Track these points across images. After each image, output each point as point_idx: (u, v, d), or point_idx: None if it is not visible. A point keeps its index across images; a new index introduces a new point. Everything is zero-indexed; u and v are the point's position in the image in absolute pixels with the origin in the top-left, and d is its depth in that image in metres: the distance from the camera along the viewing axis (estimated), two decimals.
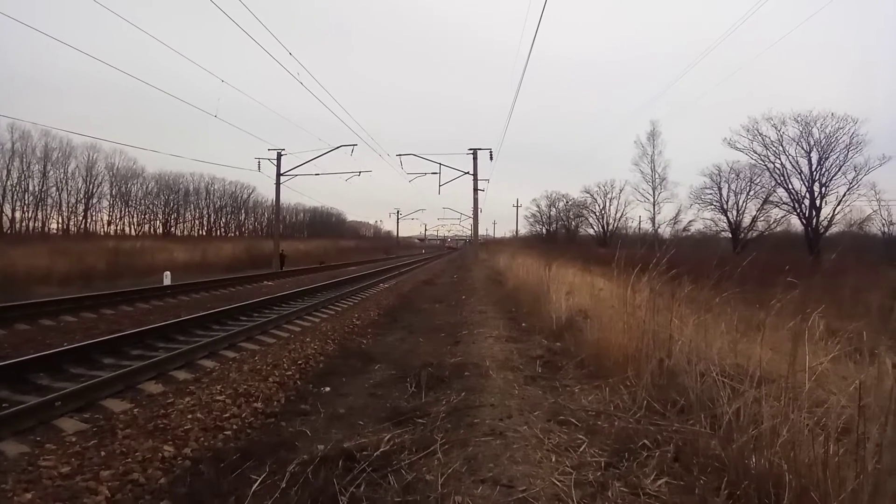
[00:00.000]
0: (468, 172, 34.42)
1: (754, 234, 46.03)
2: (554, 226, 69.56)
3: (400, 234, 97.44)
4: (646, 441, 3.34)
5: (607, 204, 62.07)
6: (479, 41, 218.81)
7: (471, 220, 39.85)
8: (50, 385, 5.69)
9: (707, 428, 3.31)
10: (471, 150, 34.12)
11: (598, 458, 3.23)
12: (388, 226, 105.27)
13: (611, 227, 61.60)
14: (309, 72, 42.22)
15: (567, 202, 67.91)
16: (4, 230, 40.55)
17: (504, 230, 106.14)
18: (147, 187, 54.93)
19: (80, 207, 47.88)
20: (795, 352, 3.06)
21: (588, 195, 63.27)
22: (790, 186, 43.30)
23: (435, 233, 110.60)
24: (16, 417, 4.41)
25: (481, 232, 50.82)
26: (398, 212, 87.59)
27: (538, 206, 70.41)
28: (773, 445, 2.73)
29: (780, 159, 43.12)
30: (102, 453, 3.95)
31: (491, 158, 34.93)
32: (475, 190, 35.03)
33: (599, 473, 3.02)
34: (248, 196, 67.36)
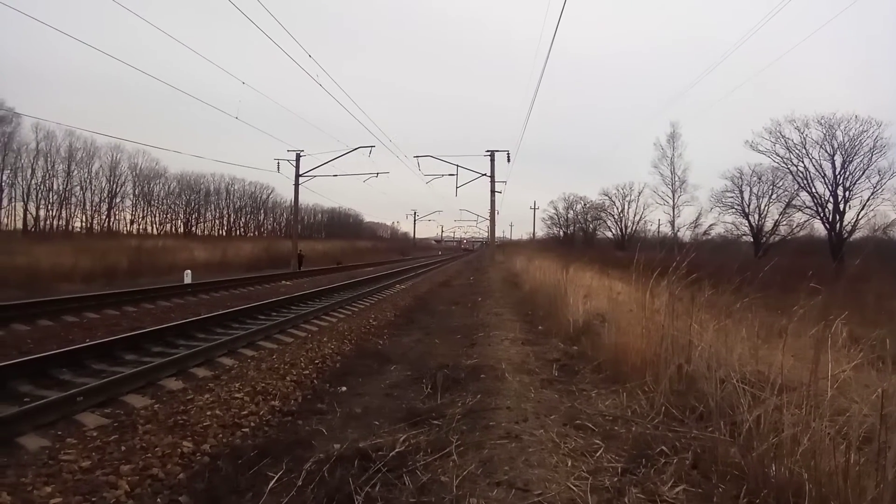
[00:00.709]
0: (485, 174, 34.38)
1: (776, 239, 45.31)
2: (571, 228, 69.16)
3: (417, 236, 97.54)
4: (663, 447, 3.30)
5: (626, 207, 61.65)
6: (496, 42, 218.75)
7: (487, 222, 39.71)
8: (72, 380, 5.79)
9: (726, 435, 3.26)
10: (488, 151, 34.10)
11: (614, 463, 3.20)
12: (405, 227, 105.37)
13: (629, 230, 61.14)
14: (328, 73, 42.44)
15: (585, 204, 67.52)
16: (29, 228, 41.38)
17: (521, 232, 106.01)
18: (169, 187, 55.86)
19: (104, 206, 48.74)
20: (818, 359, 3.02)
21: (606, 197, 62.90)
22: (813, 190, 42.58)
23: (451, 234, 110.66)
24: (38, 412, 4.49)
25: (498, 234, 50.69)
26: (415, 213, 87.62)
27: (555, 209, 70.10)
28: (794, 454, 2.69)
29: (802, 162, 42.42)
30: (123, 448, 4.01)
31: (508, 160, 34.88)
32: (492, 192, 34.93)
33: (616, 479, 2.99)
34: (268, 196, 68.05)
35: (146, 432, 4.34)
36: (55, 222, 44.57)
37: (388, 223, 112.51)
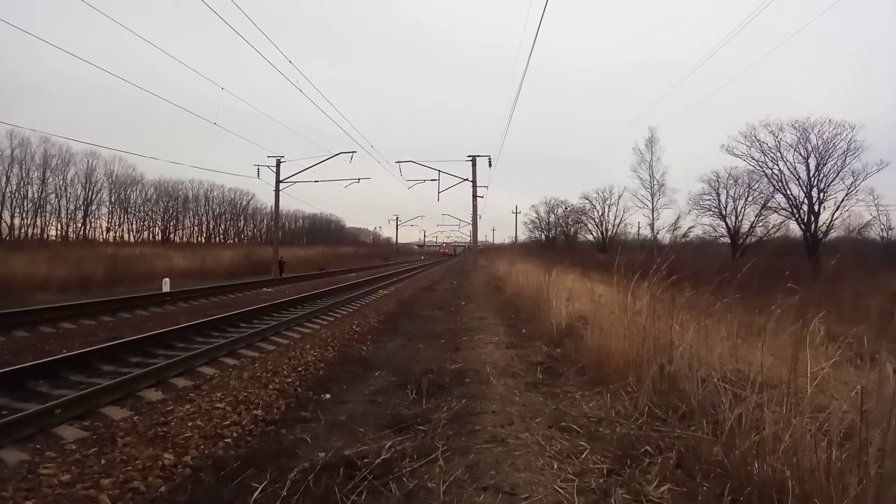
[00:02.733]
0: (467, 179, 34.42)
1: (753, 240, 46.15)
2: (553, 232, 69.53)
3: (399, 241, 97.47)
4: (648, 447, 3.33)
5: (606, 210, 62.19)
6: (477, 48, 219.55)
7: (470, 227, 39.84)
8: (49, 392, 5.68)
9: (709, 434, 3.30)
10: (470, 156, 34.11)
11: (600, 464, 3.22)
12: (388, 232, 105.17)
13: (610, 233, 61.66)
14: (308, 79, 42.37)
15: (566, 208, 67.90)
16: (3, 237, 40.50)
17: (503, 236, 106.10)
18: (146, 194, 55.01)
19: (80, 214, 47.89)
20: (796, 357, 3.06)
21: (587, 201, 63.38)
22: (788, 192, 43.48)
23: (434, 239, 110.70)
24: (16, 425, 4.39)
25: (480, 238, 50.85)
26: (397, 218, 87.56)
27: (537, 213, 70.42)
28: (776, 451, 2.72)
29: (777, 165, 43.31)
30: (102, 461, 3.93)
31: (490, 165, 34.98)
32: (474, 196, 35.02)
33: (602, 480, 3.01)
34: (248, 203, 67.42)
35: (126, 445, 4.26)
36: (30, 231, 43.73)
37: (371, 229, 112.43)
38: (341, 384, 6.41)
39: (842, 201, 40.92)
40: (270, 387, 6.20)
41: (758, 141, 43.31)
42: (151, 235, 55.38)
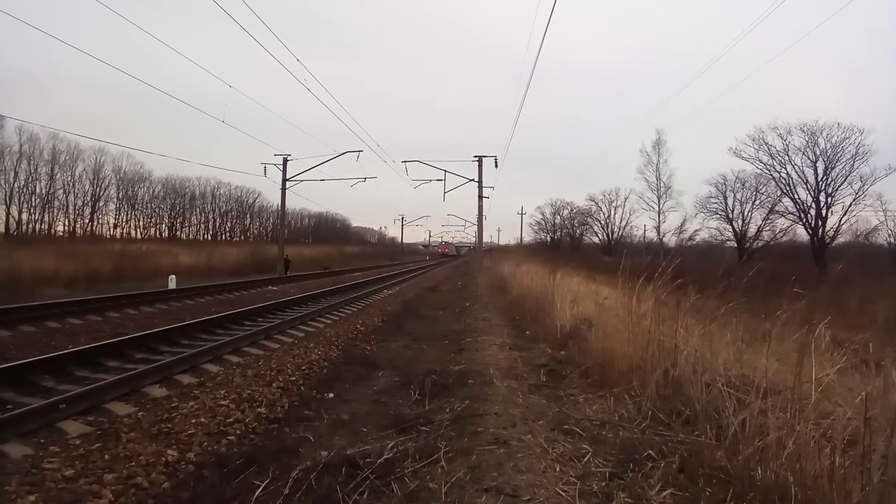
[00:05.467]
0: (473, 179, 34.41)
1: (760, 244, 45.91)
2: (558, 233, 69.54)
3: (405, 241, 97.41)
4: (651, 452, 3.32)
5: (612, 212, 62.07)
6: (484, 48, 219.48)
7: (475, 227, 39.78)
8: (54, 387, 5.71)
9: (712, 439, 3.29)
10: (476, 157, 34.12)
11: (602, 468, 3.21)
12: (393, 232, 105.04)
13: (615, 235, 61.55)
14: (316, 78, 41.94)
15: (572, 210, 67.86)
16: (11, 232, 40.76)
17: (508, 237, 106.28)
18: (153, 191, 55.28)
19: (87, 210, 48.17)
20: (801, 363, 3.05)
21: (593, 203, 63.27)
22: (796, 196, 43.13)
23: (440, 239, 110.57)
24: (20, 419, 4.42)
25: (485, 239, 50.85)
26: (403, 218, 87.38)
27: (543, 214, 70.40)
28: (779, 457, 2.71)
29: (785, 169, 42.97)
30: (106, 457, 3.95)
31: (496, 166, 34.94)
32: (480, 197, 34.98)
33: (604, 484, 3.00)
34: (254, 201, 67.63)
35: (130, 440, 4.28)
36: (38, 226, 43.97)
37: (376, 228, 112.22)
38: (345, 383, 6.42)
39: (849, 206, 40.62)
40: (274, 385, 6.21)
41: (766, 144, 43.02)
42: (158, 232, 55.65)
